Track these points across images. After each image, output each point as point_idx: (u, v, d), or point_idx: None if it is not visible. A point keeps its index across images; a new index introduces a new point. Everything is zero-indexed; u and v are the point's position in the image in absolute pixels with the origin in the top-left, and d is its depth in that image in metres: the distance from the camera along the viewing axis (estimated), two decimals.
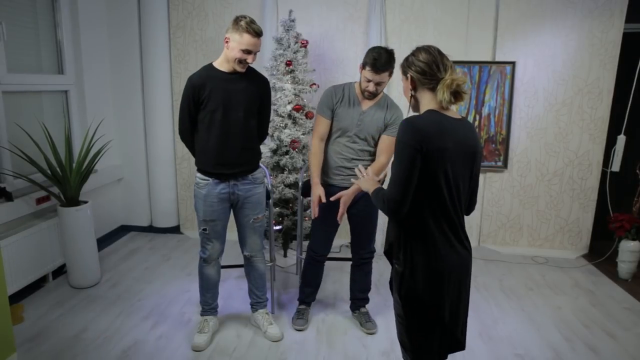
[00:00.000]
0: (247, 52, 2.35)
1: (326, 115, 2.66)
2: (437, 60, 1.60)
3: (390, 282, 1.75)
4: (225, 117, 2.43)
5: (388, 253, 1.73)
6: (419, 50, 1.66)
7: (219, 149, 2.46)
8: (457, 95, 1.57)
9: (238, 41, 2.33)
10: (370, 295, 3.01)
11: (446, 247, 1.60)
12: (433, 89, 1.61)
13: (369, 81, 2.52)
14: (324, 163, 2.71)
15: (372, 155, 2.71)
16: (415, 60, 1.64)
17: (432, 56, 1.61)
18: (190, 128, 2.52)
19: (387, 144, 2.65)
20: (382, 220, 4.47)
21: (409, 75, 1.67)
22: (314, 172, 2.67)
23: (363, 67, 2.53)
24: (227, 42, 2.37)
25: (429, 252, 1.59)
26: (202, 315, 2.78)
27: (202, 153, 2.52)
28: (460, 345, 1.72)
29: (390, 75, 2.54)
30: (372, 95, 2.59)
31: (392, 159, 1.62)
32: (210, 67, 2.48)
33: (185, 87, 2.46)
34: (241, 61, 2.38)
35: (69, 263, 3.30)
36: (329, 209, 2.66)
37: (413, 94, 1.68)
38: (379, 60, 2.45)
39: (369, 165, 2.68)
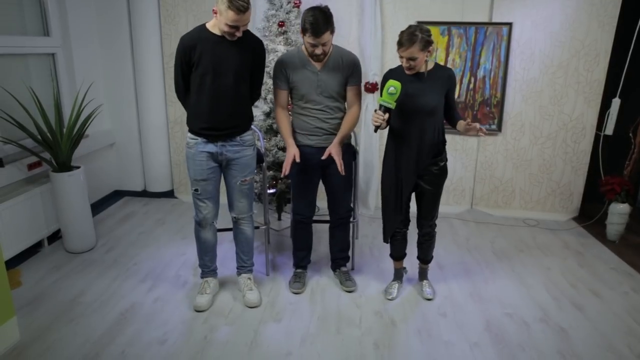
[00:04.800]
0: (234, 27, 2.28)
1: (283, 87, 2.64)
2: None
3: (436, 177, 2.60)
4: (215, 81, 2.40)
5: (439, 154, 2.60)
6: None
7: (209, 112, 2.45)
8: None
9: (224, 16, 2.24)
10: (360, 256, 3.05)
11: None
12: None
13: (313, 46, 2.46)
14: (300, 127, 2.69)
15: (343, 111, 2.70)
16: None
17: None
18: (183, 87, 2.50)
19: (355, 94, 2.67)
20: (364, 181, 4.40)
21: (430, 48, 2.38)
22: (285, 134, 2.67)
23: (303, 33, 2.46)
24: (215, 12, 2.29)
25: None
26: (202, 277, 2.82)
27: (192, 114, 2.52)
28: None
29: (332, 32, 2.46)
30: (323, 57, 2.54)
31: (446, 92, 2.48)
32: (202, 28, 2.42)
33: (177, 47, 2.42)
34: (229, 34, 2.32)
35: (63, 228, 3.31)
36: (306, 171, 2.68)
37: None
38: (316, 23, 2.38)
39: (340, 120, 2.65)
